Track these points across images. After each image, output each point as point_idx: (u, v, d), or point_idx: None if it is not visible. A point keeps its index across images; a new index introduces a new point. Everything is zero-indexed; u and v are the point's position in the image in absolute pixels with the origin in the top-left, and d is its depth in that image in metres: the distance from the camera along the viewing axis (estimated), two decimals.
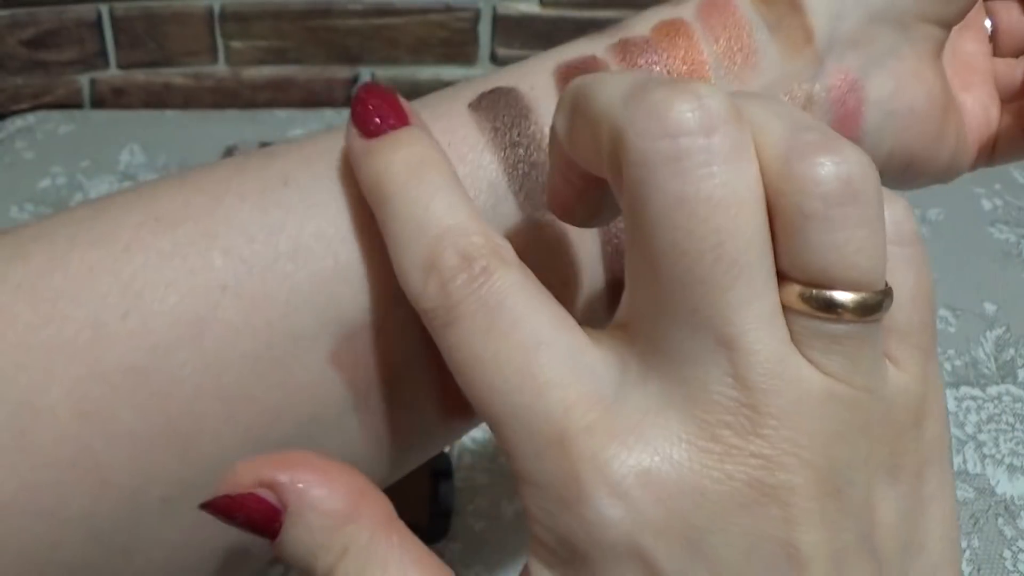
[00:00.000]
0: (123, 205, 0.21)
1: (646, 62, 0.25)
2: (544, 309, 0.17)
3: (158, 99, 0.80)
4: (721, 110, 0.15)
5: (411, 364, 0.22)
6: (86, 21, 0.76)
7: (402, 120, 0.20)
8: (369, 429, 0.22)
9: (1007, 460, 0.49)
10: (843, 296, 0.16)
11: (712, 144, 0.15)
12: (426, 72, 0.80)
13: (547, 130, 0.23)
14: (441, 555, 0.47)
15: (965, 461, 0.49)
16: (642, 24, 0.26)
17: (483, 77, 0.24)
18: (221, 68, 0.79)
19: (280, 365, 0.20)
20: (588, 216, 0.20)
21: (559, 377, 0.16)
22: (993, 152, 0.31)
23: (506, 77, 0.24)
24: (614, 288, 0.24)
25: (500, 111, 0.23)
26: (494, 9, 0.77)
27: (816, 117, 0.25)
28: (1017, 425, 0.51)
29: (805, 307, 0.16)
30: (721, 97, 0.16)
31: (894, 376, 0.17)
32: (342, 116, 0.76)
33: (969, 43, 0.31)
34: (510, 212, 0.23)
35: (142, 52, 0.78)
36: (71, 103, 0.79)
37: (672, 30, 0.25)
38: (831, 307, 0.16)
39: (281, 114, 0.77)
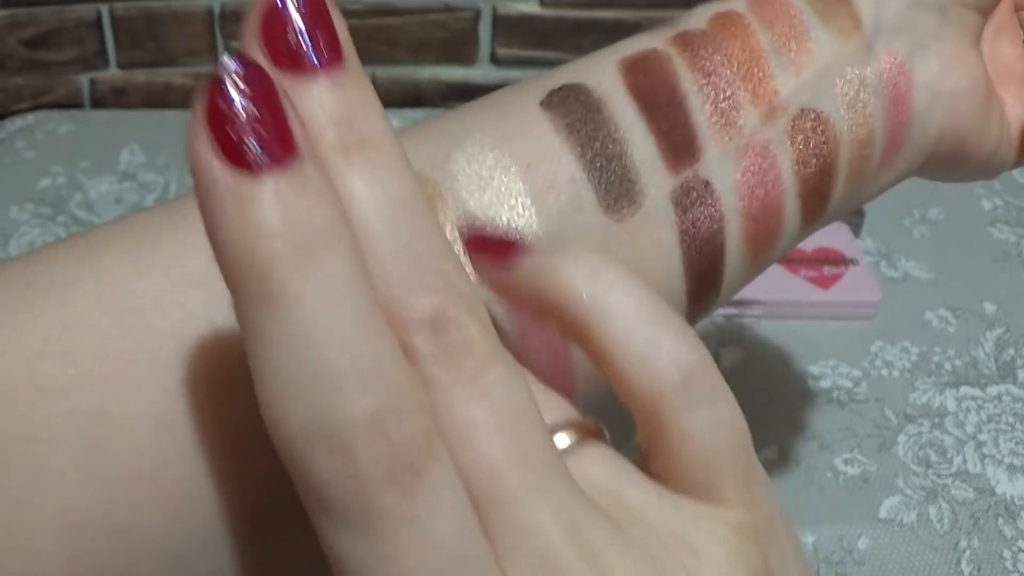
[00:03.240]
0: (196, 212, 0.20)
1: (707, 52, 0.25)
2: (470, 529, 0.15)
3: (158, 99, 0.80)
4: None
5: None
6: (86, 21, 0.76)
7: (291, 148, 0.14)
8: None
9: (1007, 460, 0.49)
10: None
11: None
12: (426, 72, 0.80)
13: (620, 122, 0.23)
14: None
15: (965, 461, 0.49)
16: (697, 18, 0.26)
17: (546, 76, 0.24)
18: None
19: None
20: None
21: None
22: None
23: (571, 74, 0.24)
24: (692, 276, 0.24)
25: (572, 107, 0.23)
26: (494, 9, 0.77)
27: (869, 99, 0.26)
28: (1017, 425, 0.51)
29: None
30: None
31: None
32: None
33: (1005, 46, 0.32)
34: (591, 207, 0.23)
35: (142, 52, 0.78)
36: (71, 103, 0.79)
37: (728, 21, 0.26)
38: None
39: None
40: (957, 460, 0.49)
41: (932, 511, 0.46)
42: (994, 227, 0.66)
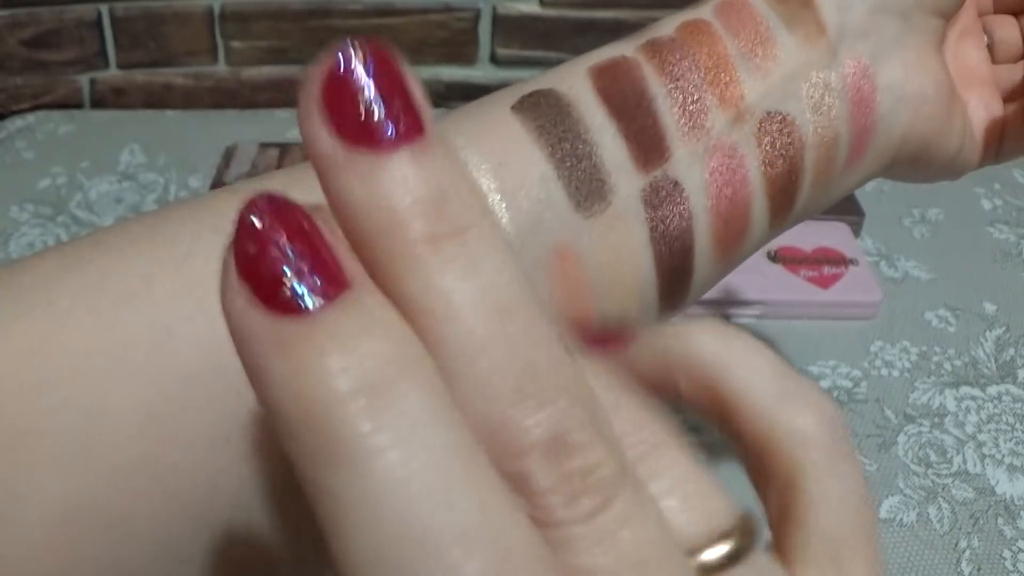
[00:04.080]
0: (177, 217, 0.21)
1: (675, 58, 0.26)
2: None
3: (158, 99, 0.80)
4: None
5: None
6: (86, 21, 0.76)
7: (342, 278, 0.12)
8: None
9: (1007, 460, 0.49)
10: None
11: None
12: (426, 72, 0.80)
13: (590, 124, 0.24)
14: None
15: (965, 461, 0.49)
16: (666, 26, 0.27)
17: (519, 84, 0.25)
18: (221, 68, 0.79)
19: None
20: None
21: None
22: (1000, 148, 0.33)
23: (543, 81, 0.25)
24: (662, 273, 0.25)
25: (542, 111, 0.24)
26: (494, 9, 0.77)
27: (834, 102, 0.27)
28: (1017, 425, 0.51)
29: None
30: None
31: None
32: None
33: (970, 49, 0.33)
34: (561, 204, 0.23)
35: (142, 52, 0.78)
36: (71, 103, 0.79)
37: (695, 29, 0.26)
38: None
39: (281, 114, 0.76)
40: (957, 460, 0.49)
41: (932, 511, 0.46)
42: (994, 227, 0.66)
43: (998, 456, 0.49)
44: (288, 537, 0.21)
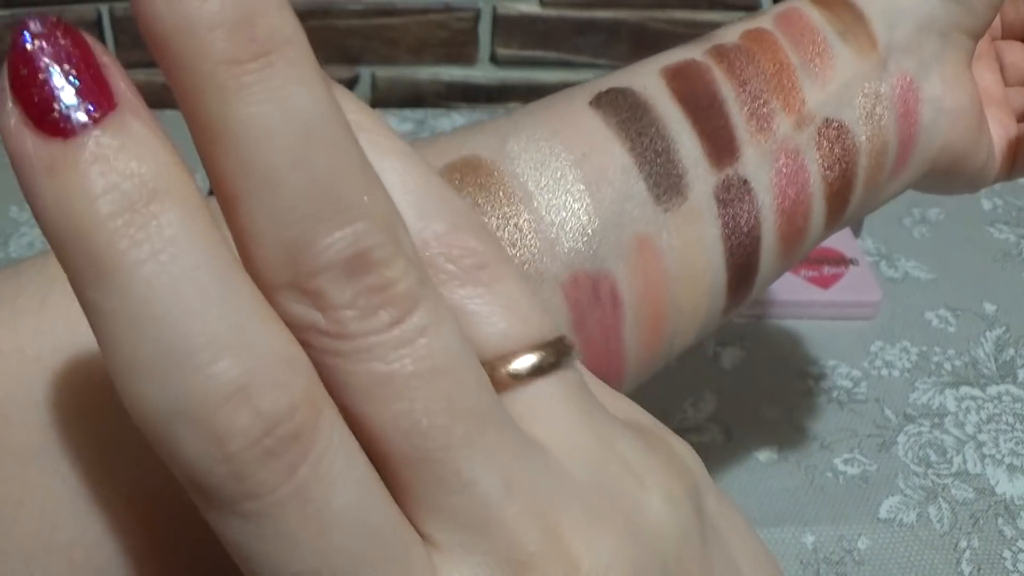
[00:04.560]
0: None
1: (742, 63, 0.27)
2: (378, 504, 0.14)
3: (158, 99, 0.80)
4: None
5: None
6: (86, 21, 0.76)
7: (108, 102, 0.13)
8: None
9: (1007, 460, 0.49)
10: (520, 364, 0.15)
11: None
12: (426, 72, 0.80)
13: (667, 122, 0.25)
14: None
15: (965, 461, 0.49)
16: (729, 34, 0.28)
17: (591, 82, 0.26)
18: None
19: None
20: None
21: None
22: (1013, 165, 0.35)
23: (616, 79, 0.26)
24: (732, 267, 0.26)
25: (621, 107, 0.25)
26: (494, 9, 0.77)
27: (884, 112, 0.29)
28: (1017, 425, 0.51)
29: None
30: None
31: None
32: None
33: (985, 72, 0.35)
34: (641, 196, 0.24)
35: (142, 52, 0.78)
36: None
37: (759, 37, 0.28)
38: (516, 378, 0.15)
39: None
40: (957, 460, 0.49)
41: (932, 511, 0.46)
42: (994, 227, 0.66)
43: (998, 456, 0.49)
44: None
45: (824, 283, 0.58)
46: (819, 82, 0.28)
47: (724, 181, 0.26)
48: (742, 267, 0.26)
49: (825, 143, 0.27)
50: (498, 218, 0.22)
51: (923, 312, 0.58)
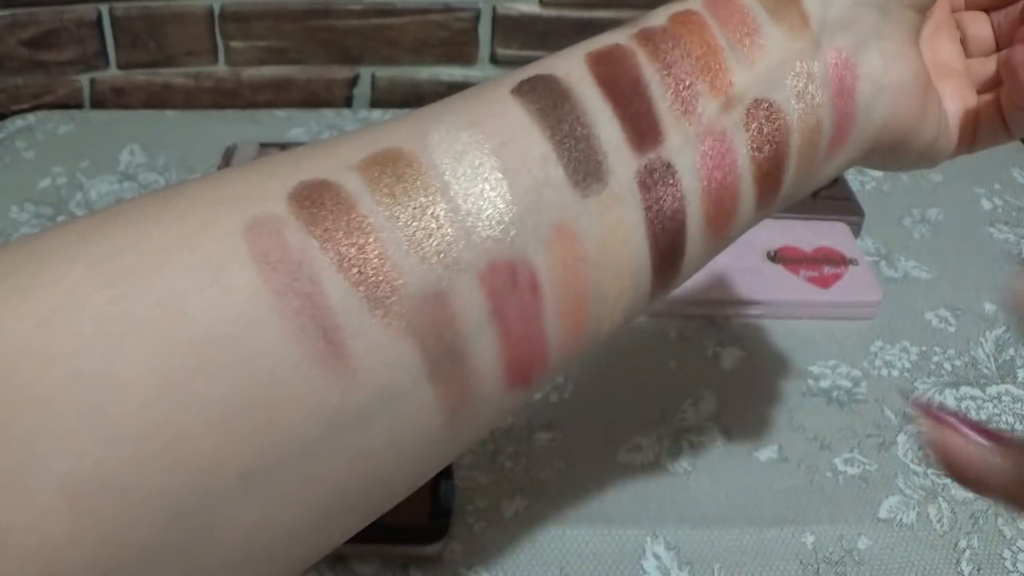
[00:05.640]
0: (192, 191, 0.22)
1: (668, 46, 0.27)
2: None
3: (158, 99, 0.80)
4: None
5: (480, 332, 0.23)
6: (86, 21, 0.76)
7: None
8: (443, 399, 0.23)
9: None
10: None
11: None
12: (426, 72, 0.80)
13: (588, 107, 0.25)
14: (441, 555, 0.47)
15: None
16: (658, 17, 0.28)
17: (517, 70, 0.26)
18: (221, 68, 0.79)
19: (357, 335, 0.21)
20: None
21: None
22: (975, 138, 0.34)
23: (540, 67, 0.26)
24: (656, 252, 0.26)
25: (542, 94, 0.25)
26: (494, 9, 0.77)
27: (817, 91, 0.28)
28: (1017, 425, 0.51)
29: None
30: None
31: None
32: (342, 116, 0.76)
33: (944, 43, 0.35)
34: (560, 183, 0.24)
35: (142, 52, 0.78)
36: (71, 103, 0.79)
37: (686, 19, 0.28)
38: None
39: (281, 114, 0.77)
40: None
41: (932, 511, 0.46)
42: (994, 227, 0.66)
43: None
44: (290, 516, 0.21)
45: (824, 283, 0.58)
46: (747, 62, 0.27)
47: (646, 166, 0.26)
48: (667, 251, 0.26)
49: (754, 124, 0.27)
50: (414, 208, 0.22)
51: (923, 312, 0.58)
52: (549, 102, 0.25)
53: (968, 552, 0.45)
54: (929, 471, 0.48)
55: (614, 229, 0.25)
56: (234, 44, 0.78)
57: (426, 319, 0.22)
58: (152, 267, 0.20)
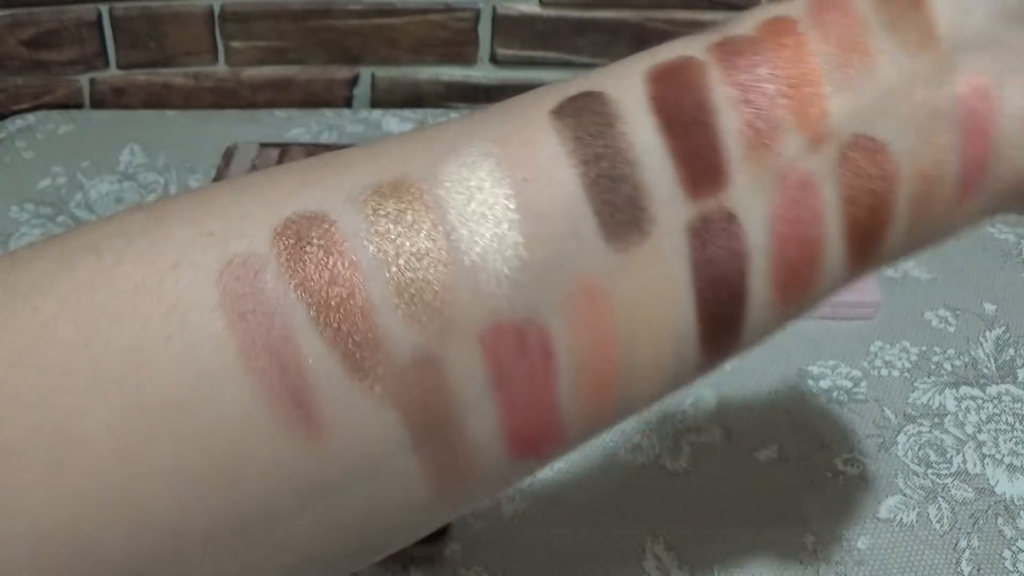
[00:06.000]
0: (176, 216, 0.20)
1: (750, 62, 0.21)
2: None
3: (158, 99, 0.80)
4: None
5: (478, 402, 0.20)
6: (86, 21, 0.76)
7: None
8: (431, 471, 0.20)
9: (1007, 460, 0.49)
10: None
11: None
12: (426, 72, 0.80)
13: (635, 140, 0.21)
14: (441, 555, 0.47)
15: (965, 461, 0.49)
16: (747, 22, 0.23)
17: (570, 80, 0.22)
18: (221, 68, 0.79)
19: (333, 401, 0.19)
20: None
21: None
22: None
23: (592, 81, 0.22)
24: (705, 318, 0.21)
25: (584, 119, 0.21)
26: (494, 9, 0.77)
27: (942, 128, 0.22)
28: (1017, 425, 0.51)
29: None
30: None
31: None
32: (342, 116, 0.76)
33: None
34: (589, 233, 0.20)
35: (142, 52, 0.78)
36: (71, 103, 0.79)
37: (779, 28, 0.22)
38: None
39: (281, 114, 0.77)
40: (957, 460, 0.49)
41: (932, 511, 0.46)
42: (994, 227, 0.66)
43: (998, 456, 0.49)
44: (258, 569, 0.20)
45: None
46: (851, 87, 0.21)
47: (701, 215, 0.21)
48: (720, 319, 0.22)
49: (850, 168, 0.21)
50: (411, 254, 0.19)
51: (923, 312, 0.58)
52: (591, 130, 0.21)
53: (968, 552, 0.45)
54: (929, 471, 0.48)
55: (653, 290, 0.21)
56: (234, 44, 0.78)
57: (412, 386, 0.19)
58: (121, 311, 0.18)
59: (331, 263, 0.19)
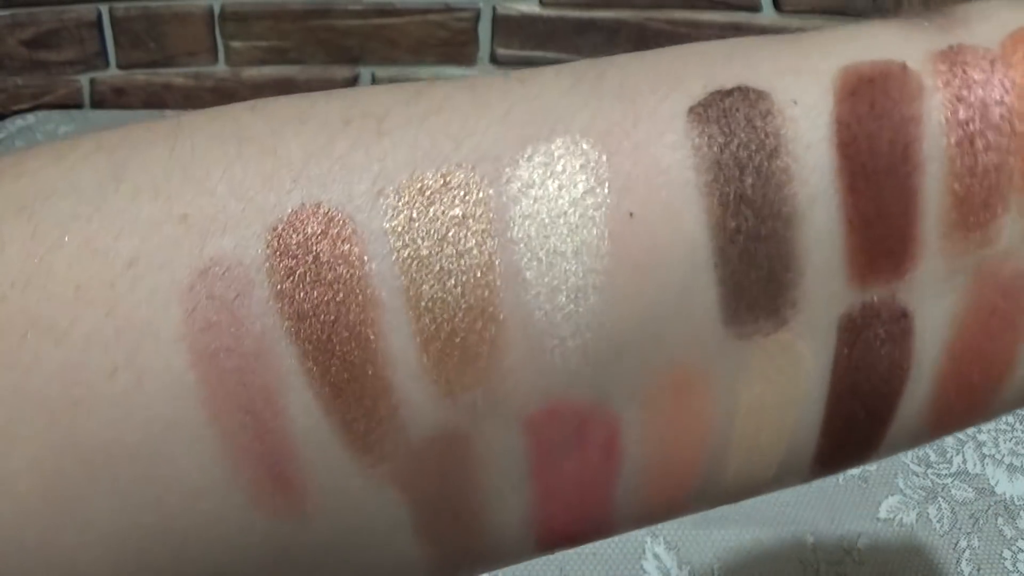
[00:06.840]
0: (146, 175, 0.14)
1: (985, 97, 0.15)
2: None
3: (158, 99, 0.80)
4: None
5: (508, 492, 0.15)
6: (86, 21, 0.76)
7: None
8: (434, 555, 0.16)
9: (1007, 460, 0.49)
10: None
11: None
12: (426, 72, 0.80)
13: (798, 186, 0.14)
14: None
15: (965, 461, 0.49)
16: (982, 28, 0.15)
17: (723, 57, 0.15)
18: (221, 68, 0.79)
19: (319, 473, 0.15)
20: None
21: None
22: None
23: (759, 62, 0.15)
24: (834, 430, 0.16)
25: (736, 130, 0.14)
26: (494, 9, 0.77)
27: None
28: (1017, 425, 0.51)
29: None
30: None
31: None
32: None
33: None
34: (706, 306, 0.14)
35: (142, 52, 0.78)
36: (71, 103, 0.79)
37: None
38: None
39: None
40: (957, 460, 0.49)
41: (932, 511, 0.46)
42: None
43: (998, 456, 0.49)
44: None
45: None
46: None
47: (865, 307, 0.15)
48: (853, 430, 0.16)
49: None
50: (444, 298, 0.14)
51: None
52: (740, 152, 0.14)
53: (968, 552, 0.45)
54: (929, 471, 0.48)
55: (771, 389, 0.15)
56: (234, 44, 0.78)
57: (426, 467, 0.15)
58: (56, 321, 0.14)
59: (343, 293, 0.14)
